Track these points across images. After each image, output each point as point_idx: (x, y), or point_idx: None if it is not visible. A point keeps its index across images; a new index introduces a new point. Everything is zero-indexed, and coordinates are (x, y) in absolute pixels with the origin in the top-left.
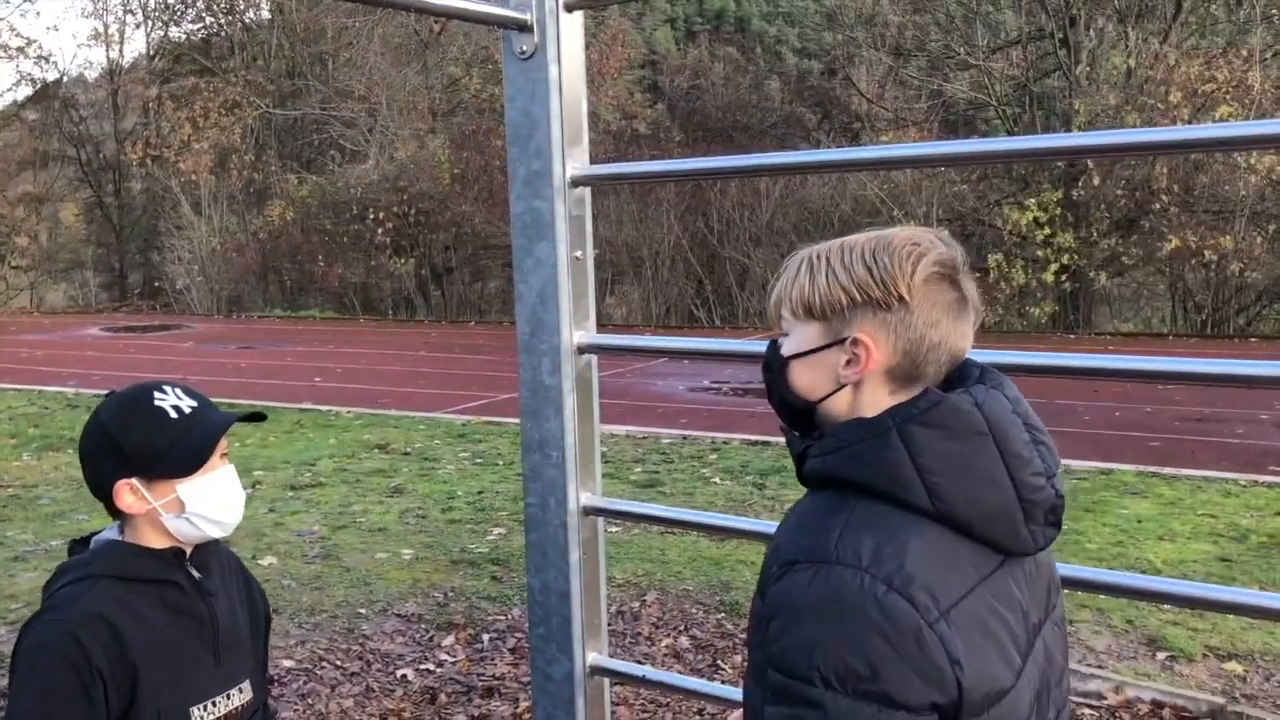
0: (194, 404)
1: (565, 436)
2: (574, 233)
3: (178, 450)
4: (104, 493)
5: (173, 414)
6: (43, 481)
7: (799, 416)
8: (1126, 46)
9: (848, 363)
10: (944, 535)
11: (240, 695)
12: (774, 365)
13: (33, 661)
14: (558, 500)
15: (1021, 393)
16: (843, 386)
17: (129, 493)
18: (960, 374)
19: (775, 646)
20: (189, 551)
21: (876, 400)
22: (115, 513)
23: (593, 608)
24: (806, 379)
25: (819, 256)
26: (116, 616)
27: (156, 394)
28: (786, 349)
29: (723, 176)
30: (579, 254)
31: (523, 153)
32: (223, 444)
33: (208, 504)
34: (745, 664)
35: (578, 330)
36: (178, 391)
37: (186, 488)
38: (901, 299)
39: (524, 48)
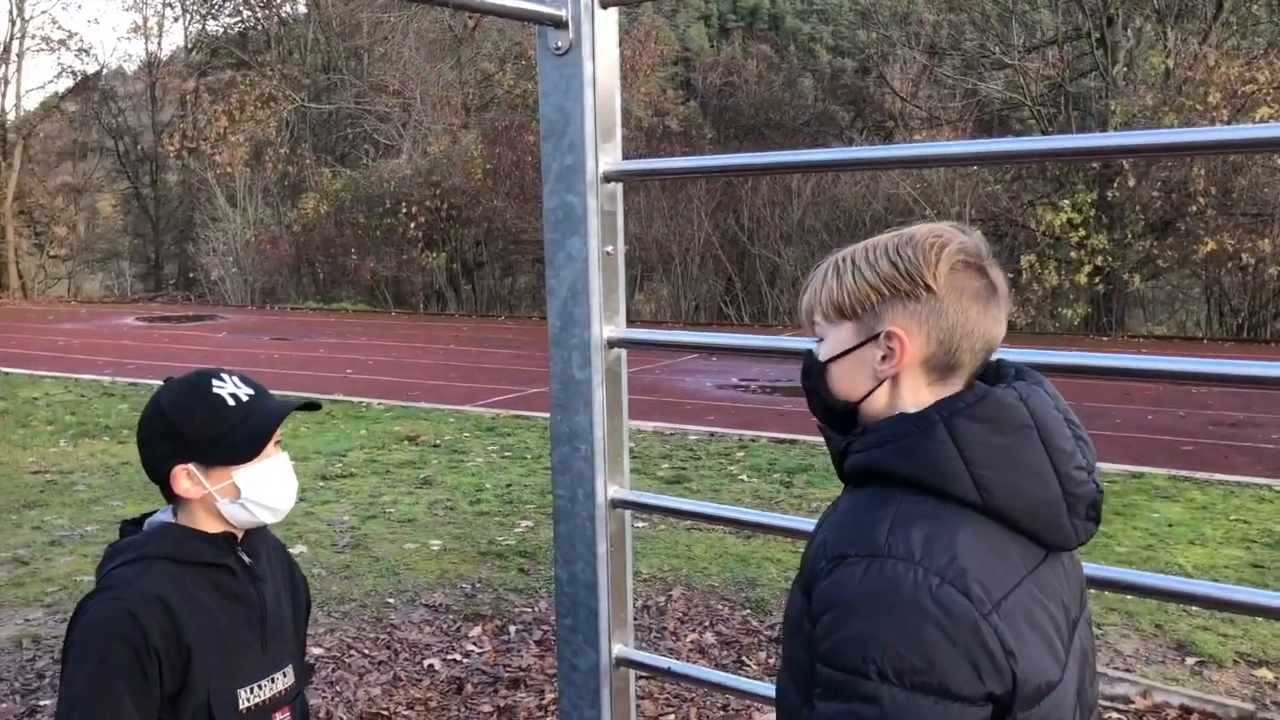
0: (251, 392)
1: (594, 430)
2: (605, 228)
3: (235, 437)
4: (160, 477)
5: (230, 401)
6: (79, 468)
7: (841, 420)
8: (1165, 46)
9: (884, 358)
10: (991, 528)
11: (284, 679)
12: (813, 371)
13: (89, 640)
14: (586, 493)
15: None
16: (881, 383)
17: (186, 478)
18: (997, 373)
19: (827, 642)
20: (240, 536)
21: (916, 394)
22: (170, 496)
23: (619, 600)
24: (845, 380)
25: (844, 259)
26: (172, 598)
27: (215, 381)
28: (823, 353)
29: (754, 173)
30: (610, 249)
31: (556, 148)
32: (277, 432)
33: (262, 490)
34: (771, 660)
35: (608, 325)
36: (235, 379)
37: (243, 474)
38: (929, 289)
39: (559, 44)
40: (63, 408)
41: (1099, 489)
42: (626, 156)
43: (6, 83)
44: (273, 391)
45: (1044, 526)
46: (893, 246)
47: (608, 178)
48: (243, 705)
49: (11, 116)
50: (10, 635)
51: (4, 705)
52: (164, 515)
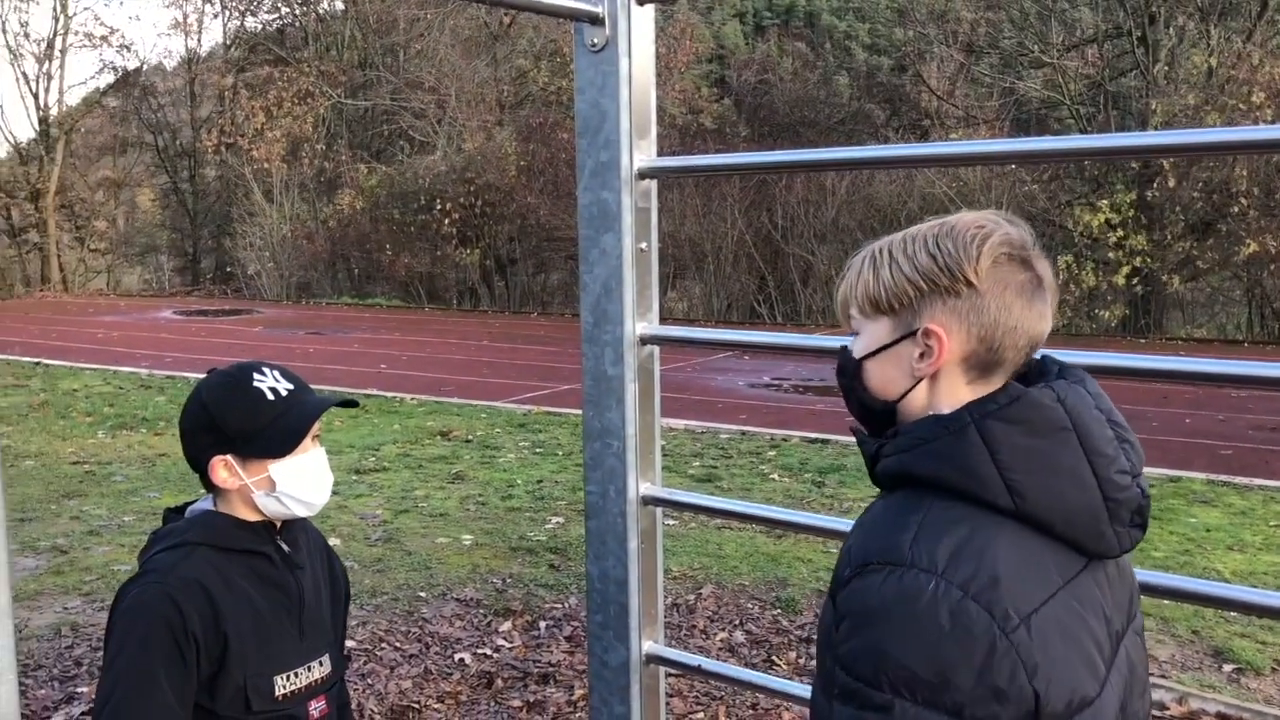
0: (291, 387)
1: (626, 426)
2: (639, 224)
3: (273, 432)
4: (200, 466)
5: (270, 395)
6: (117, 459)
7: (880, 419)
8: (1208, 45)
9: (921, 355)
10: (1025, 536)
11: (320, 668)
12: (848, 368)
13: (131, 622)
14: (617, 489)
15: None
16: (919, 381)
17: (223, 468)
18: (1039, 371)
19: (844, 647)
20: (279, 526)
21: (954, 393)
22: (209, 485)
23: (650, 597)
24: (881, 377)
25: (881, 250)
26: (212, 584)
27: (255, 375)
28: (858, 349)
29: (788, 170)
30: (644, 246)
31: (591, 144)
32: (315, 427)
33: (297, 484)
34: (800, 660)
35: (640, 321)
36: (276, 374)
37: (278, 468)
38: (970, 284)
39: (595, 40)
40: (101, 399)
41: (1144, 494)
42: (660, 154)
43: (50, 78)
44: (310, 386)
45: (1083, 533)
46: (932, 238)
47: (642, 174)
48: (279, 692)
49: (54, 111)
50: (49, 623)
51: (43, 691)
52: (205, 504)
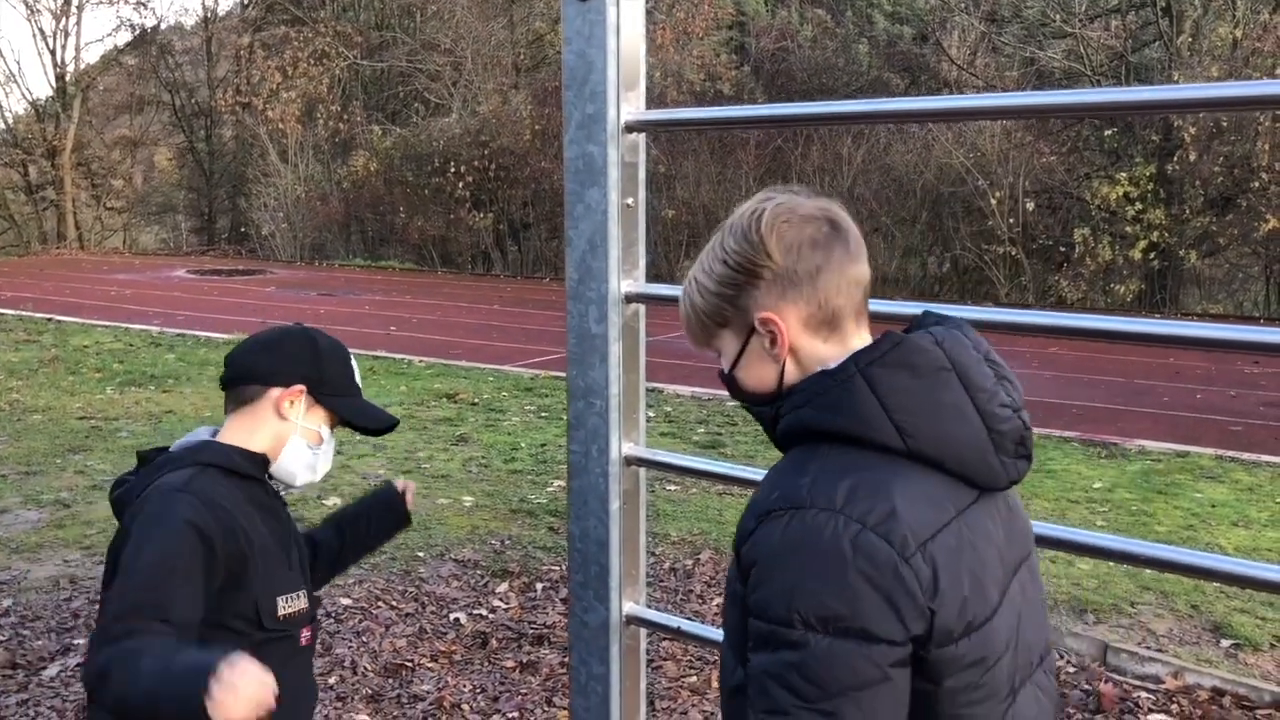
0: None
1: (609, 386)
2: (626, 179)
3: (357, 406)
4: (260, 383)
5: (358, 379)
6: (123, 415)
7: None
8: (1233, 16)
9: (771, 342)
10: (917, 472)
11: (304, 599)
12: (730, 385)
13: (154, 526)
14: (600, 449)
15: (1099, 370)
16: (783, 362)
17: (292, 400)
18: (919, 322)
19: (754, 595)
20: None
21: (815, 353)
22: (237, 406)
23: (631, 558)
24: (754, 378)
25: (691, 280)
26: (228, 502)
27: (352, 359)
28: (725, 366)
29: (776, 125)
30: (630, 201)
31: (578, 96)
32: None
33: (318, 458)
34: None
35: (626, 279)
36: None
37: (327, 434)
38: (769, 266)
39: None
40: (111, 356)
41: (1026, 425)
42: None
43: (67, 35)
44: None
45: (971, 467)
46: (719, 246)
47: (629, 128)
48: (281, 612)
49: (71, 69)
50: (49, 575)
51: (40, 642)
52: (203, 433)
